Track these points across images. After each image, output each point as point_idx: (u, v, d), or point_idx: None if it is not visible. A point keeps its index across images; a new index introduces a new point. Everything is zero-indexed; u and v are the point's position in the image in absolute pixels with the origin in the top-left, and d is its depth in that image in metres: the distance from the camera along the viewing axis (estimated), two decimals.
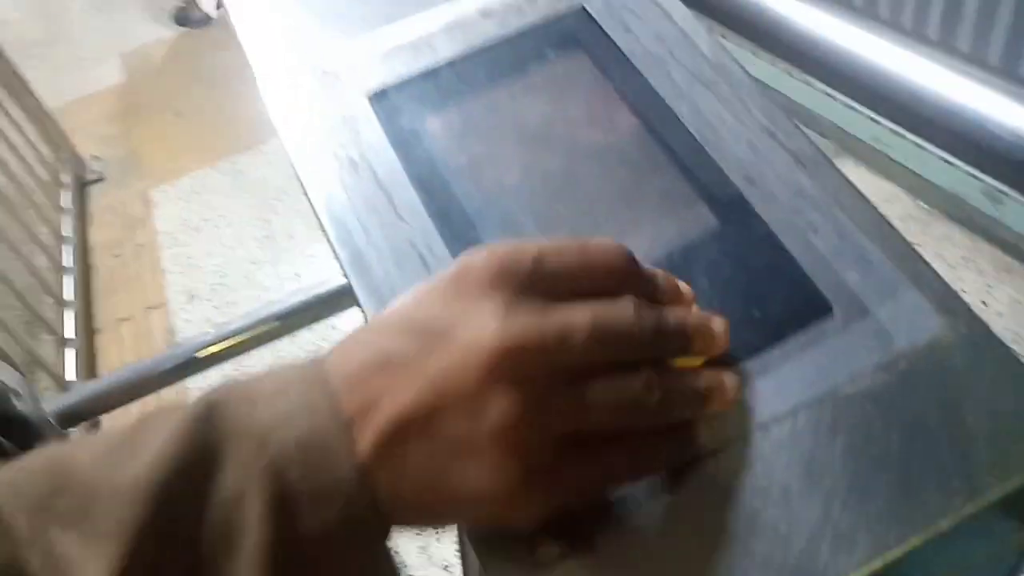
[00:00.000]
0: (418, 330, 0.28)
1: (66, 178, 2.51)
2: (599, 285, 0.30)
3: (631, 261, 0.31)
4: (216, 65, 2.86)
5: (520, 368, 0.27)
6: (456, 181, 0.40)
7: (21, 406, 0.57)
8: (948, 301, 0.35)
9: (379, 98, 0.43)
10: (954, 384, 0.33)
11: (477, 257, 0.29)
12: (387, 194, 0.40)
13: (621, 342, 0.29)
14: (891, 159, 2.03)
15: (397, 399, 0.26)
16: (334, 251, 0.38)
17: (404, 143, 0.41)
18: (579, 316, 0.28)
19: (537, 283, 0.29)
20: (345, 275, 0.38)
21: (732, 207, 0.38)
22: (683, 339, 0.31)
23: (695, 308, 0.34)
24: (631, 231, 0.39)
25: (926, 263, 0.36)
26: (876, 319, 0.35)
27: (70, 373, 1.87)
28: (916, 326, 0.34)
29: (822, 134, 2.20)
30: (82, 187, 2.64)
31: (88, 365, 1.99)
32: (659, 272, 0.33)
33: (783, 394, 0.33)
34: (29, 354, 1.74)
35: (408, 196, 0.40)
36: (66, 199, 2.43)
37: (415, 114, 0.43)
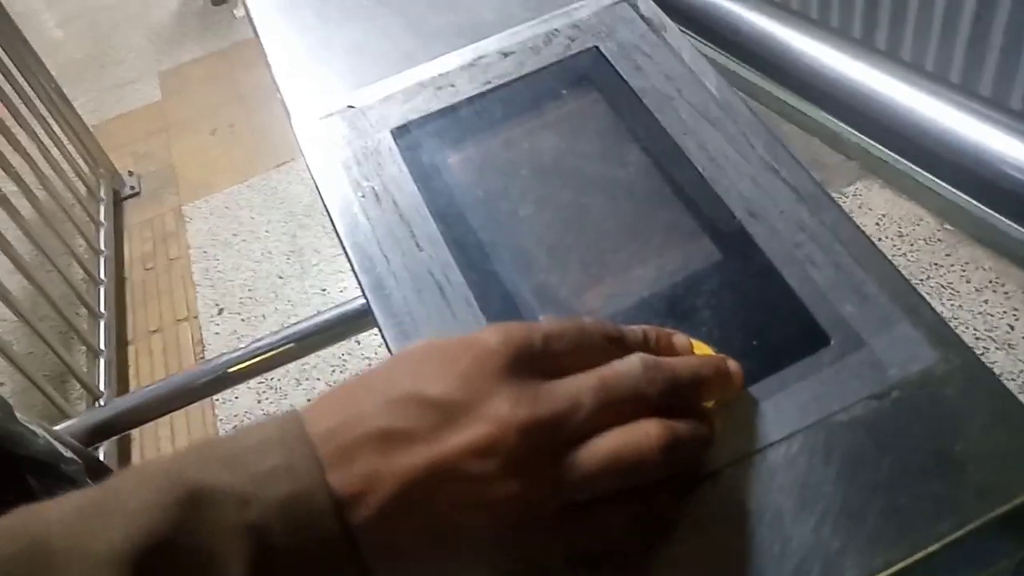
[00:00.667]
0: (432, 406, 0.28)
1: (103, 193, 2.59)
2: (605, 353, 0.31)
3: (621, 331, 0.33)
4: (251, 85, 2.95)
5: (537, 444, 0.27)
6: (473, 213, 0.42)
7: (40, 446, 0.57)
8: (942, 333, 0.37)
9: (401, 133, 0.46)
10: (945, 413, 0.35)
11: (493, 340, 0.29)
12: (408, 224, 0.42)
13: (629, 400, 0.30)
14: (916, 180, 2.03)
15: (402, 472, 0.26)
16: (356, 278, 0.41)
17: (424, 176, 0.44)
18: (587, 383, 0.29)
19: (549, 362, 0.30)
20: (366, 300, 0.40)
21: (734, 240, 0.40)
22: (696, 386, 0.32)
23: (707, 350, 0.35)
24: (638, 262, 0.41)
25: (921, 296, 0.37)
26: (871, 350, 0.36)
27: (102, 383, 1.92)
28: (909, 357, 0.36)
29: (847, 155, 2.19)
30: (118, 202, 2.72)
31: (119, 375, 2.05)
32: (649, 329, 0.34)
33: (779, 420, 0.35)
34: (63, 363, 1.80)
35: (427, 227, 0.42)
36: (103, 213, 2.51)
37: (435, 149, 0.45)
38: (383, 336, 0.39)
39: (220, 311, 2.25)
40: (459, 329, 0.39)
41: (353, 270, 0.41)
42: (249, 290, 2.28)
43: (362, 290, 0.41)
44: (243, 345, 0.74)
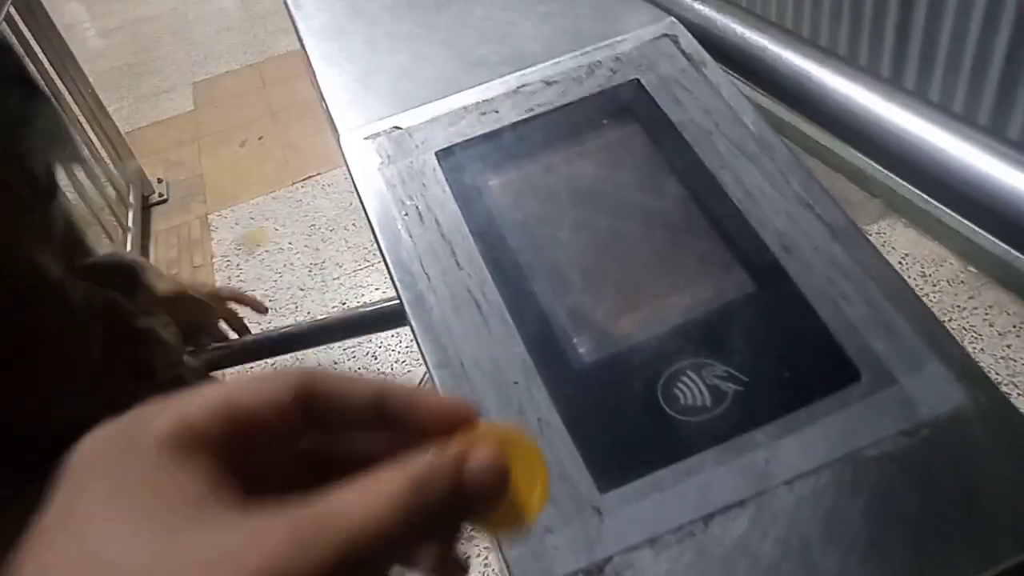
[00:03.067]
0: None
1: (132, 198, 2.64)
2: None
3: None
4: (283, 99, 3.01)
5: None
6: (512, 235, 0.44)
7: None
8: (972, 374, 0.37)
9: (445, 155, 0.48)
10: (974, 454, 0.35)
11: None
12: (448, 243, 0.43)
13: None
14: (940, 220, 2.02)
15: None
16: (397, 293, 0.42)
17: (466, 197, 0.45)
18: None
19: None
20: (407, 316, 0.41)
21: (768, 273, 0.41)
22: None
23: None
24: (672, 290, 0.42)
25: (951, 336, 0.38)
26: (901, 387, 0.37)
27: None
28: (940, 396, 0.36)
29: (871, 193, 2.20)
30: (146, 208, 2.77)
31: None
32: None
33: (809, 452, 0.36)
34: None
35: (468, 246, 0.43)
36: (130, 218, 2.56)
37: (478, 171, 0.47)
38: (420, 349, 0.40)
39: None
40: (494, 345, 0.40)
41: (394, 285, 0.43)
42: (270, 301, 2.30)
43: (401, 304, 0.42)
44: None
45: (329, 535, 0.19)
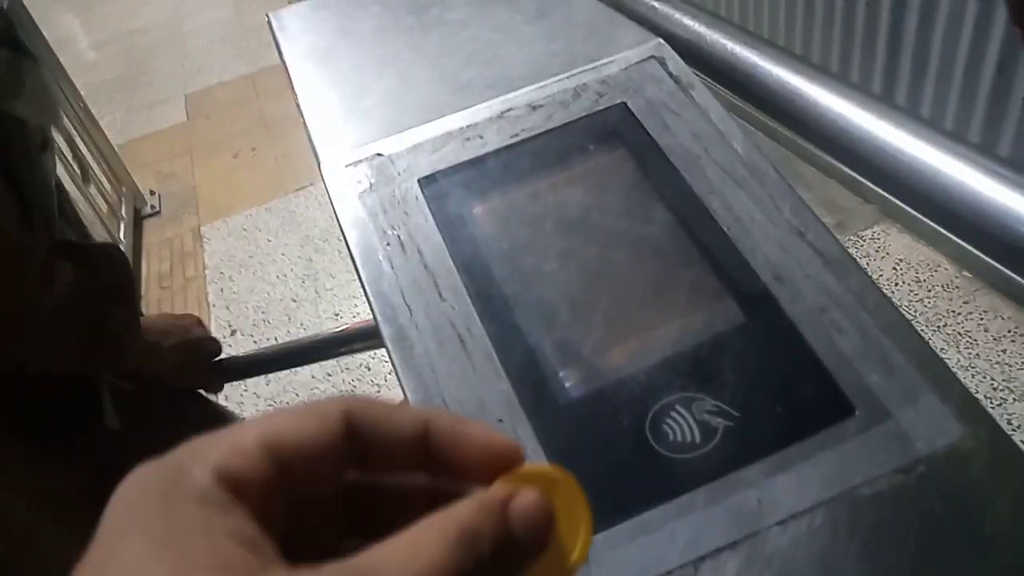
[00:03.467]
0: None
1: (124, 211, 2.63)
2: None
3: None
4: (275, 110, 3.00)
5: None
6: (497, 265, 0.43)
7: None
8: (969, 408, 0.36)
9: (428, 182, 0.47)
10: (973, 491, 0.34)
11: None
12: (432, 275, 0.42)
13: None
14: (935, 227, 2.02)
15: None
16: (378, 327, 0.41)
17: (450, 226, 0.44)
18: None
19: None
20: (388, 351, 0.40)
21: (759, 303, 0.40)
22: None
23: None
24: (661, 321, 0.41)
25: (948, 369, 0.37)
26: (897, 422, 0.36)
27: None
28: (936, 431, 0.35)
29: (865, 199, 2.19)
30: (138, 220, 2.76)
31: None
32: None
33: (802, 491, 0.35)
34: None
35: (451, 278, 0.42)
36: (122, 231, 2.54)
37: (462, 199, 0.46)
38: (402, 388, 0.39)
39: (233, 332, 2.26)
40: (478, 381, 0.39)
41: (375, 319, 0.42)
42: (263, 312, 2.29)
43: (383, 340, 0.41)
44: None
45: None
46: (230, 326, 2.31)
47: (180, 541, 0.19)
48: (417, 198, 0.46)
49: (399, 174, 0.47)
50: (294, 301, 2.29)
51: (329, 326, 2.19)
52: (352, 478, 0.23)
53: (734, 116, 0.47)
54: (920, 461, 0.35)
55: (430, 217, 0.45)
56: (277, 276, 2.38)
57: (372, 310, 0.42)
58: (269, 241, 2.52)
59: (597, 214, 0.45)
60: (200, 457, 0.21)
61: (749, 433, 0.36)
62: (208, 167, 2.85)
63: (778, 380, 0.38)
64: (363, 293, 0.43)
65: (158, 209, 2.80)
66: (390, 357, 0.40)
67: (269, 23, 0.67)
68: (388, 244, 0.44)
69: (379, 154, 0.48)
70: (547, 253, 0.43)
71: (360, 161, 0.48)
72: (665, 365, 0.39)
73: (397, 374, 0.40)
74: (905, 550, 0.33)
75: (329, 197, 0.47)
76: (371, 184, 0.47)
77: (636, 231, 0.44)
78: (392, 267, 0.43)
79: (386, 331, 0.41)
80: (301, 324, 2.22)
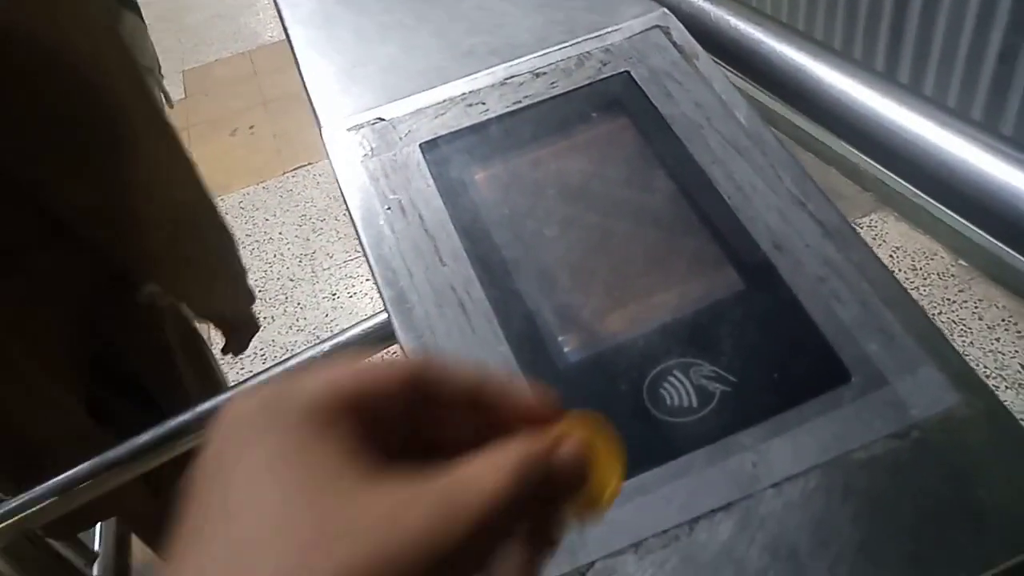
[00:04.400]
0: None
1: None
2: None
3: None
4: (274, 88, 2.98)
5: None
6: (498, 231, 0.43)
7: None
8: (966, 377, 0.36)
9: (430, 147, 0.46)
10: (967, 457, 0.34)
11: None
12: (432, 239, 0.42)
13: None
14: (932, 215, 2.02)
15: None
16: (379, 289, 0.41)
17: (451, 192, 0.44)
18: None
19: None
20: (387, 312, 0.40)
21: (759, 272, 0.40)
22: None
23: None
24: (660, 288, 0.41)
25: (947, 340, 0.37)
26: (893, 390, 0.36)
27: None
28: (932, 399, 0.36)
29: (863, 187, 2.19)
30: None
31: None
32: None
33: (797, 455, 0.35)
34: None
35: (452, 243, 0.42)
36: None
37: (463, 165, 0.45)
38: (401, 348, 0.39)
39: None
40: (478, 345, 0.39)
41: (375, 282, 0.42)
42: (260, 291, 2.29)
43: (383, 302, 0.41)
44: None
45: (469, 501, 0.21)
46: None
47: (292, 455, 0.22)
48: (418, 163, 0.46)
49: (401, 139, 0.47)
50: (291, 280, 2.29)
51: (325, 306, 2.19)
52: (410, 423, 0.25)
53: (737, 86, 0.47)
54: (915, 427, 0.35)
55: (431, 182, 0.45)
56: (274, 255, 2.38)
57: (372, 273, 0.42)
58: (267, 220, 2.51)
59: (598, 182, 0.44)
60: (299, 386, 0.23)
61: (746, 398, 0.36)
62: (206, 145, 2.83)
63: (776, 347, 0.38)
64: (363, 256, 0.42)
65: None
66: (390, 320, 0.40)
67: None
68: (389, 208, 0.44)
69: (380, 118, 0.48)
70: (548, 220, 0.43)
71: (361, 126, 0.48)
72: (664, 331, 0.39)
73: (397, 336, 0.40)
74: (899, 514, 0.33)
75: (330, 162, 0.47)
76: (372, 148, 0.47)
77: (637, 199, 0.44)
78: (393, 231, 0.43)
79: (387, 294, 0.41)
80: (298, 303, 2.22)
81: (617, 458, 0.26)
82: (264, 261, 2.37)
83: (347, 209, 0.44)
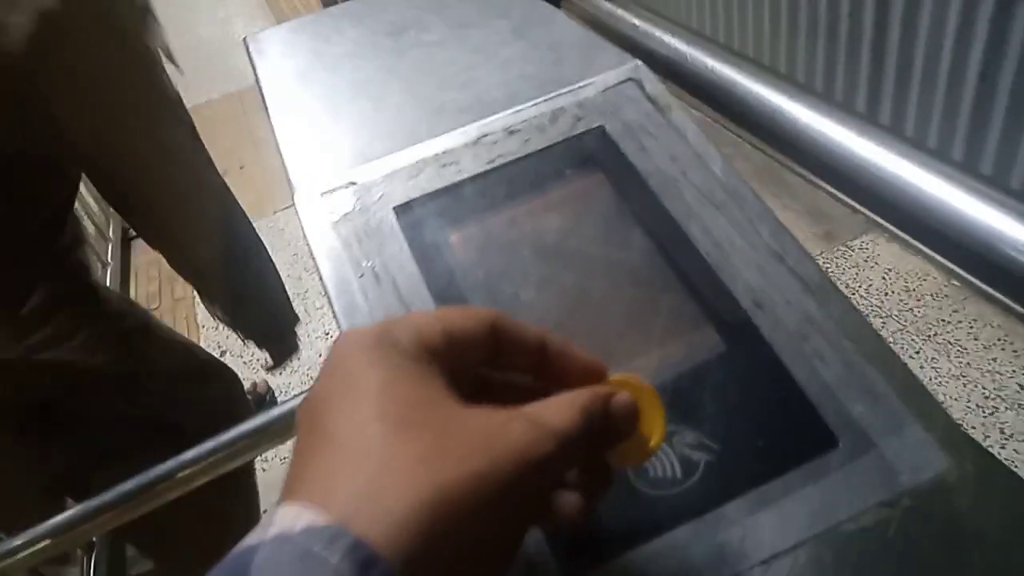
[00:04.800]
0: None
1: (111, 232, 2.61)
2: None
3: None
4: (263, 127, 2.99)
5: None
6: (474, 295, 0.42)
7: None
8: (954, 437, 0.35)
9: (404, 211, 0.46)
10: (961, 522, 0.33)
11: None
12: (407, 307, 0.41)
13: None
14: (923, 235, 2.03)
15: None
16: None
17: (426, 256, 0.43)
18: None
19: None
20: None
21: (739, 331, 0.39)
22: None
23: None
24: (640, 351, 0.40)
25: (933, 398, 0.36)
26: (881, 454, 0.35)
27: None
28: (921, 462, 0.35)
29: (853, 209, 2.20)
30: (126, 241, 2.74)
31: None
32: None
33: (785, 528, 0.34)
34: None
35: (427, 310, 0.41)
36: (110, 253, 2.52)
37: (438, 227, 0.45)
38: None
39: (223, 353, 2.23)
40: None
41: None
42: None
43: None
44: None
45: (555, 425, 0.26)
46: (219, 347, 2.29)
47: (405, 380, 0.25)
48: (392, 227, 0.45)
49: (374, 203, 0.46)
50: None
51: (319, 346, 2.17)
52: (482, 370, 0.30)
53: (711, 140, 0.47)
54: (905, 494, 0.34)
55: (405, 247, 0.44)
56: None
57: None
58: None
59: (575, 240, 0.44)
60: (405, 325, 0.27)
61: (730, 467, 0.35)
62: None
63: (759, 411, 0.37)
64: (337, 327, 0.41)
65: None
66: None
67: (246, 46, 0.66)
68: (362, 275, 0.43)
69: (352, 182, 0.48)
70: (524, 281, 0.42)
71: (334, 190, 0.47)
72: None
73: None
74: None
75: (303, 228, 0.46)
76: (345, 213, 0.46)
77: (614, 257, 0.43)
78: (366, 299, 0.42)
79: None
80: None
81: (660, 413, 0.31)
82: None
83: (320, 277, 0.44)
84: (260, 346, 1.17)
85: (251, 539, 0.22)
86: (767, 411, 0.37)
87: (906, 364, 0.37)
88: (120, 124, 0.80)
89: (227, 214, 1.04)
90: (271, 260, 1.14)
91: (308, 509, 0.22)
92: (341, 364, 0.26)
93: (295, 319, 1.20)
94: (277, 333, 1.19)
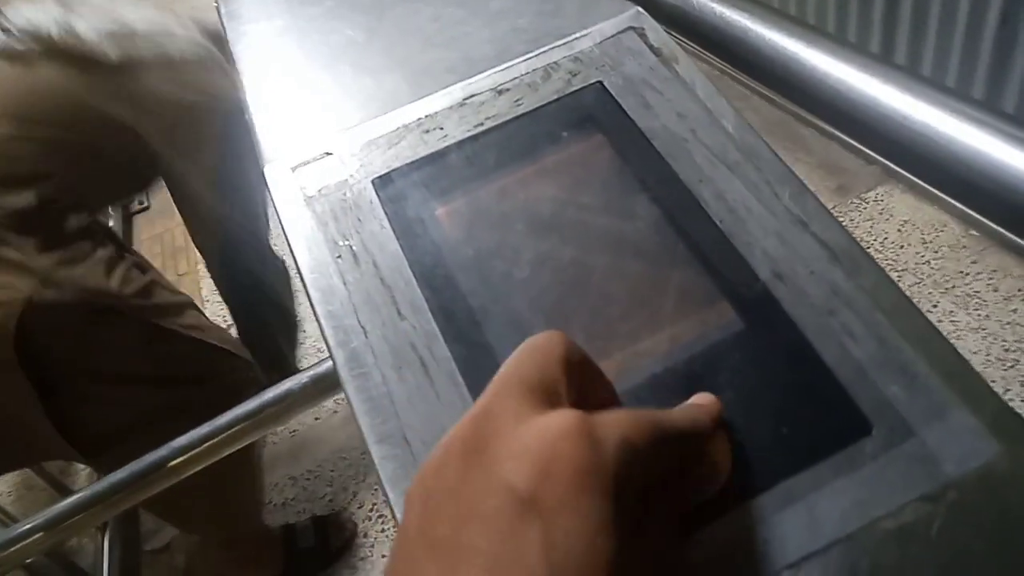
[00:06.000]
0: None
1: (113, 208, 2.58)
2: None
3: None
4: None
5: None
6: (462, 275, 0.38)
7: None
8: (1004, 421, 0.31)
9: (384, 183, 0.41)
10: (1012, 518, 0.30)
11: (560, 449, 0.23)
12: (389, 289, 0.38)
13: None
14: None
15: None
16: (329, 351, 0.37)
17: (409, 233, 0.39)
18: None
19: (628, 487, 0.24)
20: (340, 379, 0.36)
21: (759, 307, 0.35)
22: None
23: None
24: (648, 332, 0.36)
25: (980, 378, 0.32)
26: (921, 441, 0.31)
27: None
28: (967, 450, 0.31)
29: (867, 160, 2.13)
30: (128, 216, 2.71)
31: None
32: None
33: (815, 528, 0.30)
34: None
35: (411, 292, 0.37)
36: (112, 227, 2.49)
37: (421, 200, 0.41)
38: (356, 422, 0.34)
39: (229, 327, 2.22)
40: (442, 412, 0.34)
41: (326, 343, 0.37)
42: None
43: (335, 366, 0.36)
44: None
45: (671, 423, 0.28)
46: (225, 320, 2.27)
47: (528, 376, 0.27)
48: (371, 202, 0.41)
49: (351, 175, 0.42)
50: None
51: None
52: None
53: (723, 92, 0.42)
54: (950, 486, 0.30)
55: (386, 223, 0.40)
56: None
57: (322, 333, 0.37)
58: None
59: (573, 211, 0.40)
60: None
61: (753, 460, 0.32)
62: None
63: (784, 397, 0.33)
64: (312, 314, 0.38)
65: (147, 204, 2.75)
66: (343, 388, 0.35)
67: (217, 8, 0.61)
68: (339, 256, 0.39)
69: (328, 153, 0.43)
70: (518, 259, 0.38)
71: (308, 162, 0.43)
72: (655, 383, 0.34)
73: (350, 404, 0.35)
74: None
75: (274, 205, 0.42)
76: (320, 189, 0.42)
77: (618, 229, 0.39)
78: (344, 283, 0.38)
79: (338, 357, 0.36)
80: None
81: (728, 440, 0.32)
82: None
83: (293, 258, 0.40)
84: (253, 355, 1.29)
85: None
86: (792, 396, 0.33)
87: (948, 340, 0.33)
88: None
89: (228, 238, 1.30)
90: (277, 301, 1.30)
91: None
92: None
93: (292, 365, 1.38)
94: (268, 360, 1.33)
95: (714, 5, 0.65)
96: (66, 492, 1.68)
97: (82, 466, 1.88)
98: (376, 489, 1.86)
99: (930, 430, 0.31)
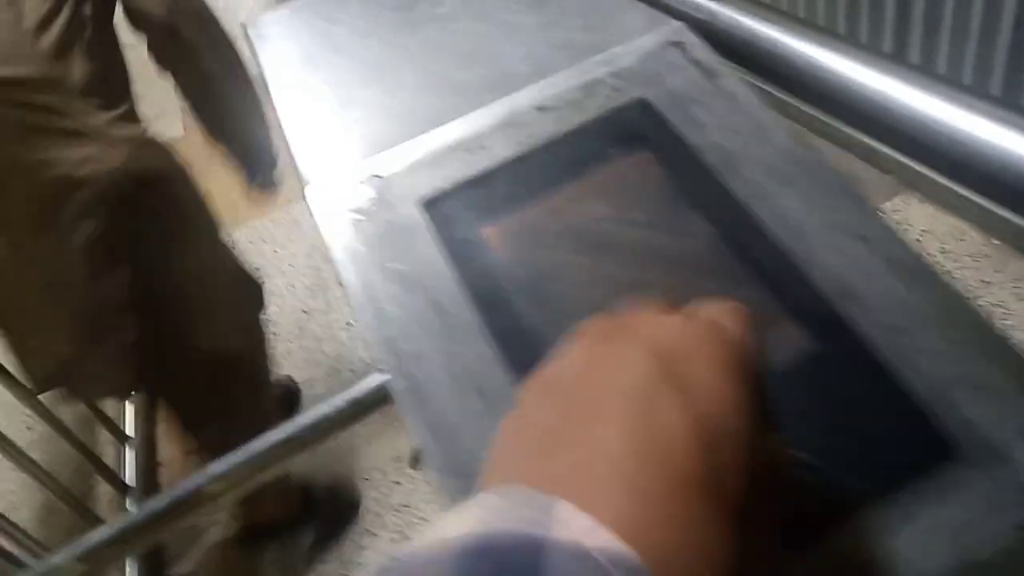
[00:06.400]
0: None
1: None
2: None
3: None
4: (273, 115, 2.94)
5: None
6: (516, 297, 0.37)
7: None
8: None
9: (431, 205, 0.41)
10: None
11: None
12: (443, 314, 0.37)
13: None
14: (957, 194, 1.94)
15: None
16: (384, 378, 0.36)
17: (459, 255, 0.39)
18: None
19: None
20: (398, 408, 0.35)
21: (826, 327, 0.34)
22: None
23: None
24: None
25: None
26: (1012, 465, 0.30)
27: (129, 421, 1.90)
28: None
29: (883, 169, 2.11)
30: None
31: (145, 416, 2.02)
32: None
33: (902, 562, 0.29)
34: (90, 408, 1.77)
35: (465, 316, 0.37)
36: None
37: (470, 222, 0.40)
38: (418, 453, 0.33)
39: None
40: None
41: (379, 369, 0.36)
42: (273, 325, 2.24)
43: (392, 393, 0.35)
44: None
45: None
46: None
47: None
48: (419, 224, 0.40)
49: (397, 197, 0.41)
50: (304, 312, 2.25)
51: (342, 337, 2.14)
52: None
53: (772, 96, 0.41)
54: None
55: (437, 246, 0.39)
56: (286, 287, 2.34)
57: (375, 357, 0.37)
58: (275, 252, 2.47)
59: (625, 229, 0.39)
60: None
61: (832, 488, 0.30)
62: (209, 180, 2.79)
63: (858, 420, 0.32)
64: (365, 342, 0.37)
65: None
66: (402, 412, 0.34)
67: (244, 32, 0.61)
68: (391, 280, 0.38)
69: (374, 175, 0.43)
70: (571, 279, 0.37)
71: (351, 184, 0.43)
72: None
73: (411, 436, 0.34)
74: None
75: (319, 229, 0.41)
76: (365, 211, 0.41)
77: (671, 247, 0.38)
78: (396, 307, 0.37)
79: (395, 385, 0.35)
80: (313, 336, 2.17)
81: None
82: (276, 294, 2.32)
83: (341, 284, 0.39)
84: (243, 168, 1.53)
85: (526, 526, 0.18)
86: (868, 419, 0.32)
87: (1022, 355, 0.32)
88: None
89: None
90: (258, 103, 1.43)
91: (605, 531, 0.19)
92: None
93: (273, 161, 1.56)
94: (255, 159, 1.54)
95: (741, 19, 0.65)
96: (90, 516, 1.67)
97: (104, 490, 1.87)
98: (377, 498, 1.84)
99: (1021, 451, 0.30)
